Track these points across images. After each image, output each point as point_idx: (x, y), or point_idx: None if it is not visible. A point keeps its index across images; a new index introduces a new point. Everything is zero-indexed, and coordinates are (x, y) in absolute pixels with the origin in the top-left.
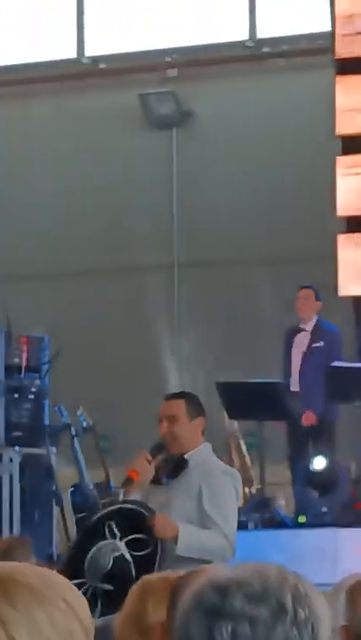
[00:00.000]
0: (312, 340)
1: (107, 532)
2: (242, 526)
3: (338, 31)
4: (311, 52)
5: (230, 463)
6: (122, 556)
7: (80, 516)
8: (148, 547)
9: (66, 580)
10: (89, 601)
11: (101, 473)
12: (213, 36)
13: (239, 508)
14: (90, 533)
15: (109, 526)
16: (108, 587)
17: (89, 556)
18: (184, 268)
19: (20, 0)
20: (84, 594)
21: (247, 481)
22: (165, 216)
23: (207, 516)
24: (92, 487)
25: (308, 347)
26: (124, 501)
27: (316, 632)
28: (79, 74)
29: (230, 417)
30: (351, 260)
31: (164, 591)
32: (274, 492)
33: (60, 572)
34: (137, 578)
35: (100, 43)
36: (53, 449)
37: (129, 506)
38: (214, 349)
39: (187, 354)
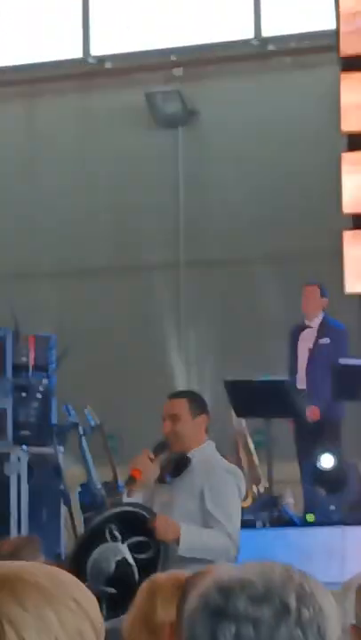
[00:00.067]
0: (318, 337)
1: (108, 535)
2: (250, 525)
3: (343, 29)
4: (316, 50)
5: (238, 461)
6: (124, 559)
7: (88, 515)
8: (151, 549)
9: (75, 579)
10: None
11: (109, 472)
12: (218, 34)
13: (246, 507)
14: (91, 537)
15: (110, 530)
16: (112, 590)
17: (91, 559)
18: (190, 267)
19: (26, 0)
20: None
21: (255, 479)
22: (171, 215)
23: (210, 515)
24: (99, 486)
25: (315, 343)
26: (125, 504)
27: (323, 631)
28: (85, 73)
29: (238, 415)
30: (358, 256)
31: (173, 590)
32: (282, 491)
33: None
34: (140, 580)
35: (105, 42)
36: (61, 448)
37: (129, 508)
38: (221, 348)
39: (193, 352)
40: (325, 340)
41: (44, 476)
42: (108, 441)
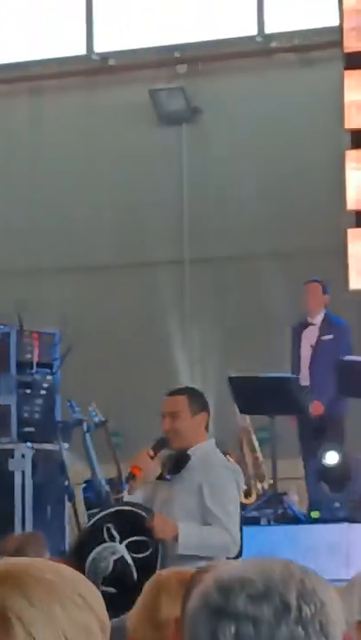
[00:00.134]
0: (321, 334)
1: (106, 534)
2: (254, 522)
3: (346, 25)
4: (320, 47)
5: (242, 458)
6: (122, 558)
7: (92, 511)
8: (149, 548)
9: (81, 576)
10: None
11: (113, 468)
12: (222, 31)
13: (251, 504)
14: (89, 537)
15: (108, 529)
16: (111, 590)
17: (89, 559)
18: (194, 264)
19: None
20: None
21: (259, 476)
22: (175, 212)
23: (209, 512)
24: (104, 483)
25: (317, 340)
26: (123, 503)
27: (326, 628)
28: (88, 70)
29: (242, 412)
30: None
31: (178, 587)
32: (286, 488)
33: None
34: (139, 580)
35: (109, 39)
36: (65, 445)
37: (127, 508)
38: (225, 345)
39: (197, 349)
40: (328, 337)
41: (49, 473)
42: (112, 438)
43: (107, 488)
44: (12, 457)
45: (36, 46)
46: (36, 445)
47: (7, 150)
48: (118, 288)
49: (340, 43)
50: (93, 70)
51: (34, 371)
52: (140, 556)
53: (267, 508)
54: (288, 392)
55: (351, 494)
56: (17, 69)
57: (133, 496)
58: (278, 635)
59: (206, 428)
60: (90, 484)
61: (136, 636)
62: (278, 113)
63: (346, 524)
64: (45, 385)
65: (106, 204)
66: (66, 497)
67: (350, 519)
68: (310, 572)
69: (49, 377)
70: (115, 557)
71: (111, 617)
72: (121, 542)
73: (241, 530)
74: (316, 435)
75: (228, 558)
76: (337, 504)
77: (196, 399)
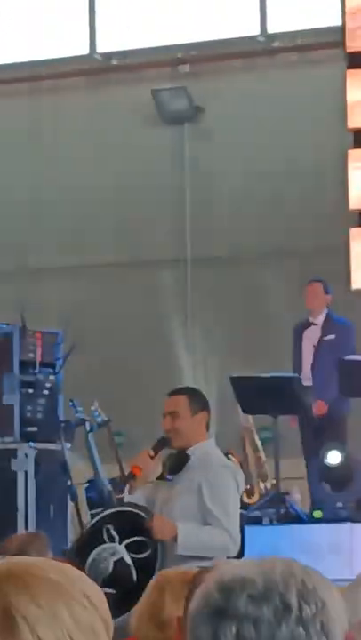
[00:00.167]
0: (323, 334)
1: (105, 535)
2: (257, 521)
3: (349, 25)
4: (322, 46)
5: (245, 458)
6: (122, 559)
7: (94, 511)
8: (148, 548)
9: (84, 576)
10: None
11: (116, 468)
12: (224, 31)
13: (253, 504)
14: (88, 538)
15: (107, 530)
16: (110, 591)
17: (89, 560)
18: (196, 264)
19: None
20: None
21: (262, 476)
22: (177, 212)
23: (208, 511)
24: (106, 483)
25: (320, 340)
26: (122, 504)
27: (327, 627)
28: (91, 70)
29: (244, 411)
30: None
31: (182, 586)
32: (289, 487)
33: None
34: (138, 580)
35: (111, 39)
36: (68, 444)
37: (126, 508)
38: (227, 344)
39: (200, 349)
40: (331, 337)
41: (51, 473)
42: (115, 437)
43: (109, 488)
44: (15, 457)
45: (39, 46)
46: (39, 445)
47: (9, 150)
48: (121, 287)
49: (342, 42)
50: (96, 70)
51: (37, 370)
52: (140, 556)
53: (269, 508)
54: (291, 392)
55: (354, 494)
56: (19, 69)
57: (134, 496)
58: (279, 635)
59: (207, 427)
60: (92, 484)
61: (139, 634)
62: (281, 113)
63: (349, 524)
64: (48, 384)
65: (108, 203)
66: (68, 497)
67: (353, 519)
68: (312, 572)
69: (52, 376)
70: (115, 558)
71: (112, 617)
72: (120, 543)
73: (243, 529)
74: (318, 434)
75: (228, 558)
76: (340, 504)
77: (196, 399)
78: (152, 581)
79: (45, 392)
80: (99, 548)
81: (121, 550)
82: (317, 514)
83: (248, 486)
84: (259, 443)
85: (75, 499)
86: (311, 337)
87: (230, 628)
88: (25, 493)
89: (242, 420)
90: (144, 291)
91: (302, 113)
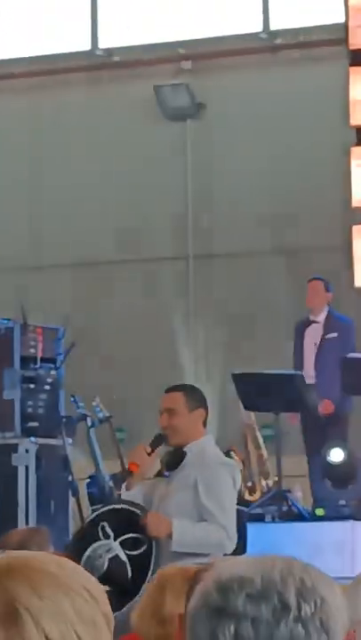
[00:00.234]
0: (325, 332)
1: (100, 533)
2: (259, 519)
3: (351, 23)
4: (325, 43)
5: (247, 455)
6: (117, 556)
7: (95, 507)
8: (143, 545)
9: (83, 570)
10: None
11: (117, 464)
12: (227, 27)
13: (255, 501)
14: (83, 536)
15: (102, 527)
16: (105, 588)
17: (84, 558)
18: (198, 260)
19: None
20: None
21: (264, 473)
22: (179, 208)
23: (204, 508)
24: (107, 478)
25: (322, 338)
26: (117, 501)
27: (327, 624)
28: (93, 66)
29: (246, 408)
30: None
31: (183, 582)
32: (291, 485)
33: None
34: (133, 577)
35: (113, 35)
36: (69, 440)
37: (120, 506)
38: (229, 341)
39: (202, 345)
40: (333, 335)
41: (53, 468)
42: (116, 433)
43: (110, 483)
44: (16, 452)
45: (41, 42)
46: (40, 440)
47: (10, 145)
48: (122, 284)
49: (345, 39)
50: (98, 66)
51: (38, 366)
52: (135, 553)
53: (271, 505)
54: (293, 389)
55: (356, 492)
56: (21, 65)
57: (131, 492)
58: (277, 634)
59: (204, 424)
60: (94, 480)
61: (140, 631)
62: (283, 110)
63: (351, 522)
64: (49, 380)
65: (110, 200)
66: (70, 492)
67: (355, 517)
68: (311, 569)
69: (53, 372)
70: (109, 555)
71: None
72: (115, 540)
73: (245, 526)
74: (320, 432)
75: (225, 555)
76: (342, 501)
77: (194, 396)
78: (153, 578)
79: (46, 387)
80: (94, 545)
81: (116, 547)
82: (319, 511)
83: (250, 483)
84: (261, 440)
85: (76, 494)
86: (313, 335)
87: (229, 628)
88: (26, 488)
89: (244, 418)
90: (146, 287)
91: (304, 110)
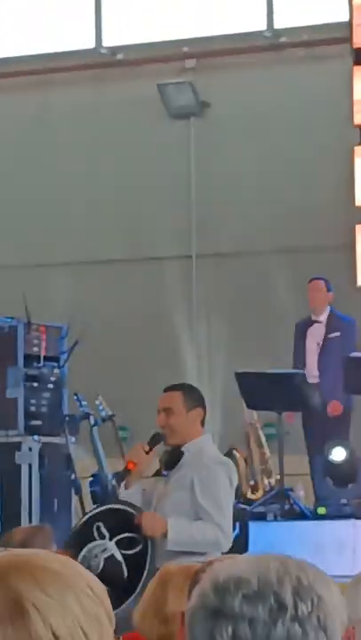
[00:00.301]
0: (328, 331)
1: (95, 533)
2: (261, 517)
3: (356, 21)
4: (329, 42)
5: (249, 454)
6: (112, 556)
7: (98, 505)
8: (139, 544)
9: (85, 568)
10: None
11: (120, 462)
12: (231, 26)
13: (257, 500)
14: (79, 536)
15: (98, 527)
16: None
17: (79, 558)
18: (202, 260)
19: None
20: None
21: (266, 472)
22: (183, 207)
23: (200, 507)
24: (110, 477)
25: (325, 338)
26: (113, 501)
27: (324, 622)
28: (97, 64)
29: (249, 407)
30: None
31: (185, 581)
32: (293, 484)
33: None
34: (129, 576)
35: (117, 33)
36: (72, 438)
37: (116, 506)
38: (232, 340)
39: (205, 345)
40: (335, 335)
41: (56, 466)
42: (119, 432)
43: (113, 482)
44: (19, 450)
45: (45, 40)
46: (43, 439)
47: (15, 144)
48: (126, 283)
49: (349, 38)
50: (102, 64)
51: (41, 364)
52: (131, 552)
53: (273, 504)
54: (295, 388)
55: (358, 491)
56: (25, 63)
57: (129, 491)
58: (274, 634)
59: (202, 423)
60: (96, 478)
61: (142, 629)
62: (286, 108)
63: (352, 521)
64: (52, 378)
65: (113, 198)
66: (72, 490)
67: (357, 516)
68: (308, 567)
69: (56, 370)
70: (105, 555)
71: None
72: (111, 540)
73: (247, 525)
74: (322, 431)
75: (223, 553)
76: (344, 500)
77: (192, 395)
78: (154, 577)
79: (50, 386)
80: (89, 545)
81: (111, 547)
82: (321, 510)
83: (252, 482)
84: (263, 439)
85: (79, 492)
86: (315, 335)
87: (226, 629)
88: (29, 487)
89: (246, 416)
90: (149, 286)
91: (308, 109)
